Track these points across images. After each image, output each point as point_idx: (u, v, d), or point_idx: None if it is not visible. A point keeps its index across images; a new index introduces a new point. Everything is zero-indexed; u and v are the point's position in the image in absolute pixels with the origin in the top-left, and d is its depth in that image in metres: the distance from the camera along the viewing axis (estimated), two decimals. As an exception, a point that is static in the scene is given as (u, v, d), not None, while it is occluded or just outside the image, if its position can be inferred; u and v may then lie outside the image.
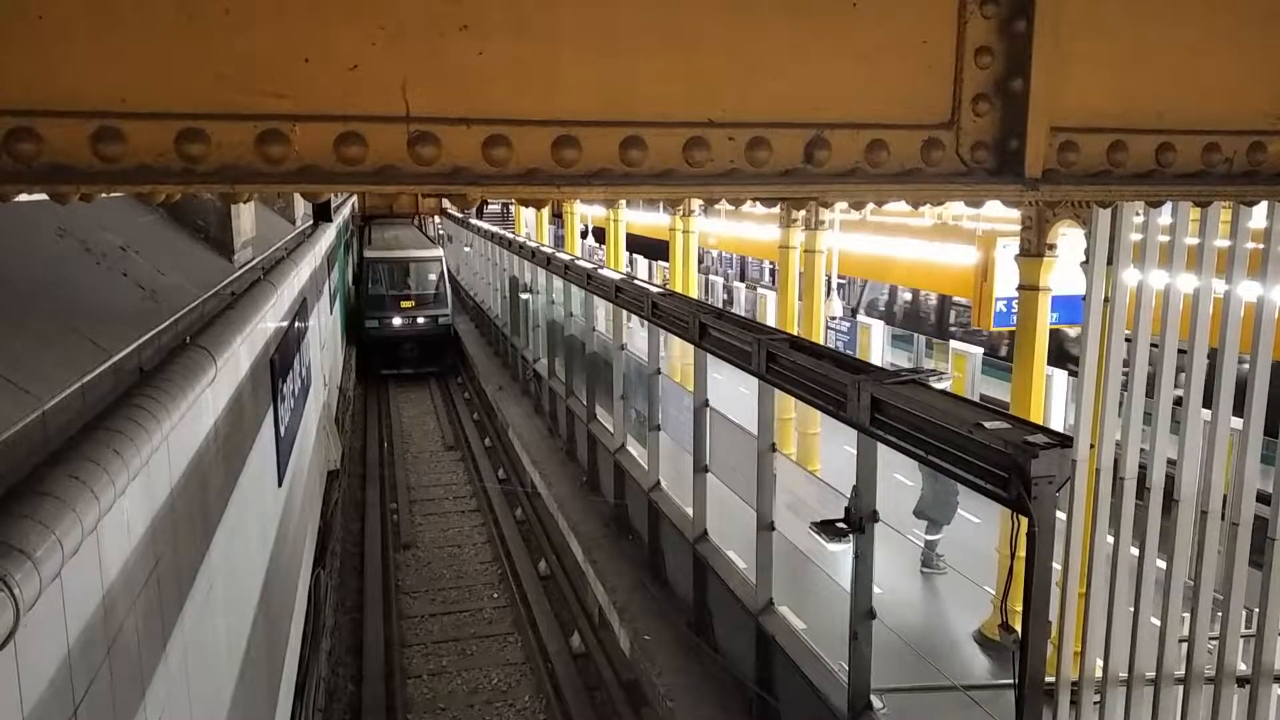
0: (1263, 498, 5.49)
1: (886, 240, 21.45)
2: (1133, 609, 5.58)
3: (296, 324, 10.16)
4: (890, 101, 2.32)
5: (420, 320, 29.62)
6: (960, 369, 16.94)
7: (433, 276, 30.31)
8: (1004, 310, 16.01)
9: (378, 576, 15.12)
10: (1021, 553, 4.85)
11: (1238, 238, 5.26)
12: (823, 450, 13.39)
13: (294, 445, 9.54)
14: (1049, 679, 5.45)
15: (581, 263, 15.27)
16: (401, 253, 31.03)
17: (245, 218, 8.57)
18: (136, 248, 5.96)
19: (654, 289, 11.49)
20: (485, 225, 31.17)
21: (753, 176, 2.25)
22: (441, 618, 13.89)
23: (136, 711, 3.55)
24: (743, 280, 34.72)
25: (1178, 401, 5.55)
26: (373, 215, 41.76)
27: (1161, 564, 5.55)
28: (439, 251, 32.10)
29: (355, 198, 34.30)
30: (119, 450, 3.09)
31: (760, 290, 27.12)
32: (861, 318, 22.08)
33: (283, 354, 8.51)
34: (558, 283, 17.41)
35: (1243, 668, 5.63)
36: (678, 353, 14.71)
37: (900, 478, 10.84)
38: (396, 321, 29.38)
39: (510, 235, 26.24)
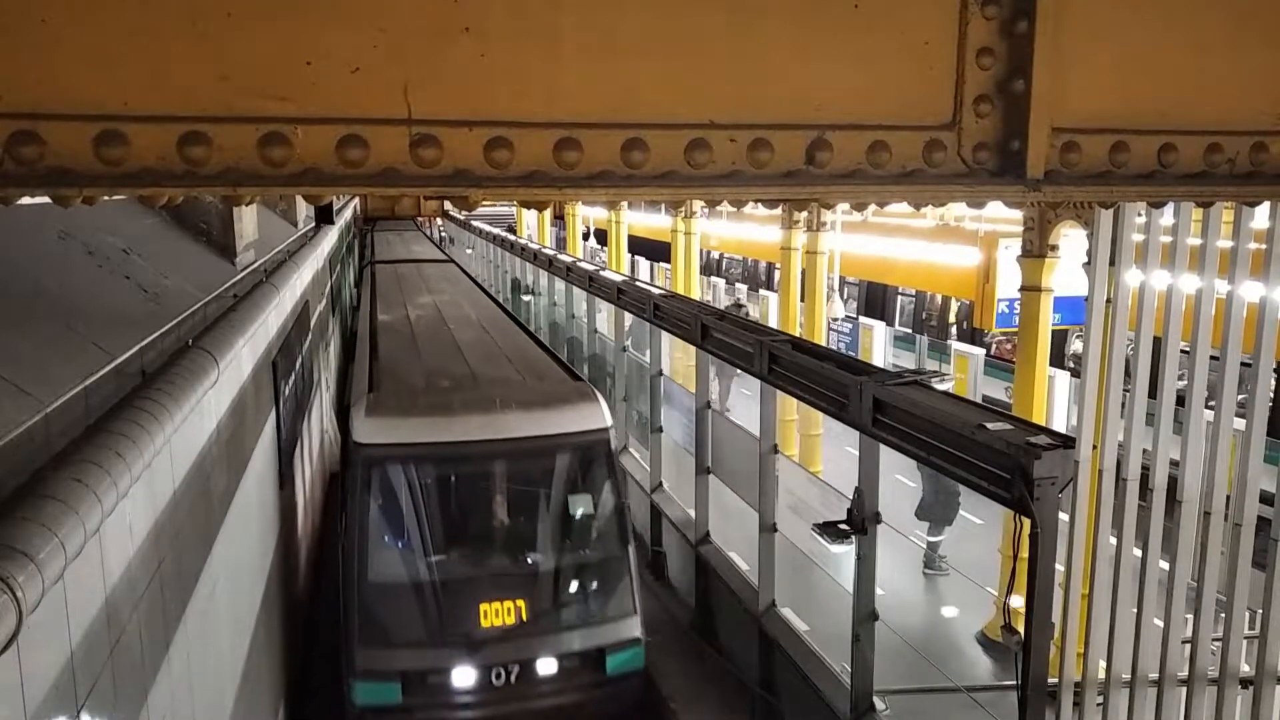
0: (1265, 498, 5.48)
1: (888, 241, 21.48)
2: (1136, 610, 5.57)
3: (298, 326, 10.16)
4: (892, 103, 2.32)
5: (546, 671, 7.33)
6: (962, 370, 16.92)
7: (582, 509, 7.89)
8: (1006, 311, 16.04)
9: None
10: (1024, 554, 4.84)
11: (1240, 238, 5.25)
12: (824, 452, 13.38)
13: (296, 447, 9.53)
14: (1052, 680, 5.43)
15: (583, 264, 15.24)
16: (466, 427, 7.79)
17: (247, 220, 8.58)
18: (139, 250, 5.97)
19: (656, 290, 11.48)
20: (487, 227, 30.94)
21: (754, 178, 2.24)
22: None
23: (139, 714, 3.55)
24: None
25: (1180, 401, 5.54)
26: (375, 217, 39.95)
27: (1164, 565, 5.54)
28: (602, 415, 8.12)
29: (357, 200, 34.02)
30: (121, 453, 3.09)
31: (763, 292, 26.77)
32: (867, 323, 21.99)
33: (285, 356, 8.51)
34: (559, 285, 17.38)
35: (1246, 669, 5.62)
36: (679, 354, 14.69)
37: (902, 479, 10.82)
38: (465, 678, 7.11)
39: (511, 237, 26.03)
